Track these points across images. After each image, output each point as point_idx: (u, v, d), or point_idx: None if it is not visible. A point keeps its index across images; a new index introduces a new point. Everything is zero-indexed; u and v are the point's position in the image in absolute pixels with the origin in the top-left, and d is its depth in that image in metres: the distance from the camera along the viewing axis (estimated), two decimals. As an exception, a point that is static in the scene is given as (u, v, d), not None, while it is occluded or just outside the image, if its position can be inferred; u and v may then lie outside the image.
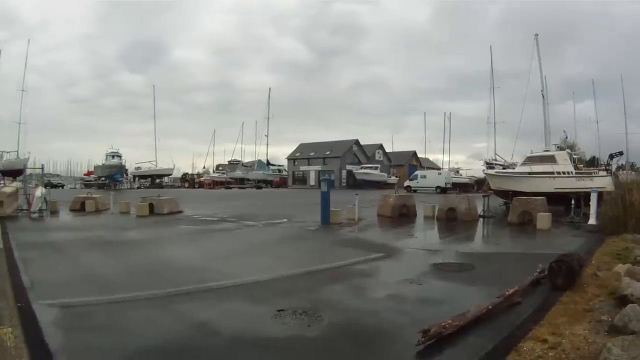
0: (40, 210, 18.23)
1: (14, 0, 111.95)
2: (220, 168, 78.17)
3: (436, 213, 16.19)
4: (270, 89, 70.57)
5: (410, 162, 68.71)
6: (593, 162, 37.13)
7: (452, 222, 14.82)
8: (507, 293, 5.13)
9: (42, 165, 24.39)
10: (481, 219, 15.86)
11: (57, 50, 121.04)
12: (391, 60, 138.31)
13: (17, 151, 48.14)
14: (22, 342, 4.18)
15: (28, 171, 27.25)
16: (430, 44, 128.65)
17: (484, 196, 17.94)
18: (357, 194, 16.00)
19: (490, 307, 4.71)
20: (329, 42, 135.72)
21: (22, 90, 49.37)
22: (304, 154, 66.81)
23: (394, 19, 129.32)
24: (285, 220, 15.45)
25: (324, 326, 4.51)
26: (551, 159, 20.78)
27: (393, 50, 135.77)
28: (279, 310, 4.91)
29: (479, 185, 38.58)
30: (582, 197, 14.97)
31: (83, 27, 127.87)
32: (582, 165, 25.25)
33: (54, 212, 18.69)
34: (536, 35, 29.92)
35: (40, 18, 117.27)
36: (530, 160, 21.65)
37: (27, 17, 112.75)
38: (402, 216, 16.24)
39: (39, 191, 19.22)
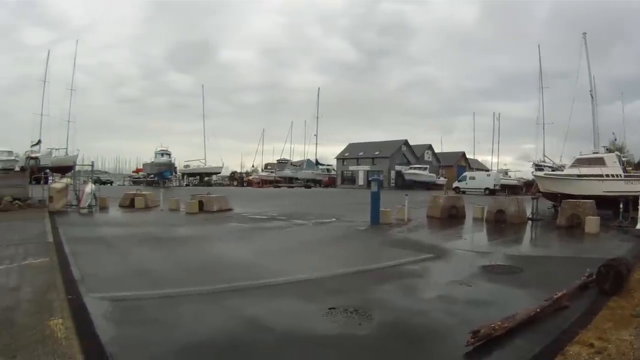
0: (90, 206, 19.91)
1: (63, 2, 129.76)
2: (269, 167, 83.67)
3: (485, 215, 17.36)
4: (319, 88, 78.03)
5: (458, 163, 72.68)
6: (642, 165, 37.62)
7: (500, 225, 15.88)
8: (555, 296, 5.53)
9: (92, 162, 26.50)
10: (530, 222, 16.90)
11: (105, 51, 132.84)
12: (439, 60, 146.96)
13: (66, 148, 54.56)
14: (73, 334, 4.58)
15: (77, 168, 29.56)
16: (478, 43, 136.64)
17: (532, 198, 19.15)
18: (406, 195, 17.32)
19: (538, 310, 5.10)
20: (376, 42, 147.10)
21: (71, 90, 55.96)
22: (352, 153, 71.21)
23: (441, 18, 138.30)
24: (335, 219, 16.69)
25: (375, 325, 4.92)
26: (600, 162, 21.95)
27: (440, 50, 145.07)
28: (330, 309, 5.35)
29: (527, 187, 41.65)
30: (631, 201, 15.98)
31: (131, 29, 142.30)
32: (630, 168, 25.33)
33: (104, 208, 20.69)
34: (584, 34, 30.63)
35: (88, 20, 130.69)
36: (579, 162, 23.00)
37: (75, 19, 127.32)
38: (451, 217, 17.50)
39: (89, 187, 21.08)
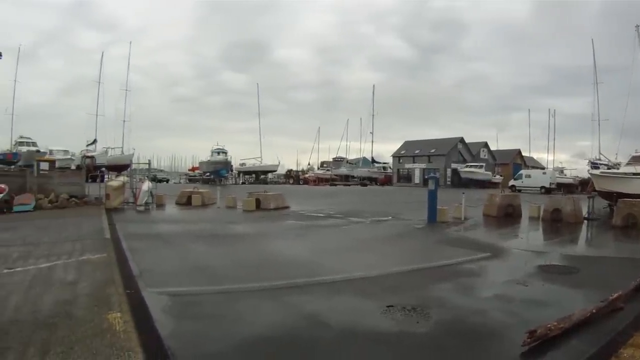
0: (147, 204, 21.20)
1: (116, 5, 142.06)
2: (324, 165, 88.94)
3: (541, 214, 18.18)
4: (374, 86, 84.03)
5: (514, 161, 75.11)
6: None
7: (556, 224, 16.59)
8: (611, 298, 5.71)
9: (149, 160, 28.26)
10: (585, 221, 17.47)
11: (158, 52, 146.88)
12: (492, 56, 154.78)
13: (122, 147, 59.17)
14: (132, 327, 4.88)
15: (133, 166, 31.50)
16: (531, 39, 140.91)
17: (588, 197, 19.91)
18: (463, 193, 18.31)
19: (594, 311, 5.30)
20: (429, 38, 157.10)
21: (126, 90, 62.00)
22: (408, 151, 74.11)
23: (493, 13, 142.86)
24: (391, 217, 17.73)
25: (432, 323, 5.23)
26: None
27: (493, 46, 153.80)
28: (388, 306, 5.72)
29: (583, 185, 42.93)
30: None
31: (184, 30, 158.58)
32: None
33: (160, 206, 22.32)
34: (637, 26, 31.68)
35: (140, 22, 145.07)
36: (635, 160, 23.52)
37: (128, 21, 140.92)
38: (508, 216, 18.40)
39: (146, 185, 22.48)
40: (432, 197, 16.15)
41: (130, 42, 66.43)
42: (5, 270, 7.57)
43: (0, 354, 4.10)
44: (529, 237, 13.92)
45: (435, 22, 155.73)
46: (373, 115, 77.91)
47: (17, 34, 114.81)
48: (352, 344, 4.61)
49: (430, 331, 4.98)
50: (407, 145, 76.56)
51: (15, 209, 17.83)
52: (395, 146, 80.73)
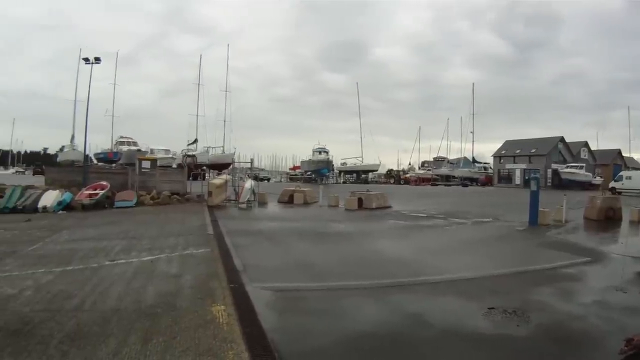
0: (249, 201, 22.22)
1: (212, 10, 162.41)
2: (425, 165, 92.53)
3: None
4: (473, 84, 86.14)
5: (614, 162, 74.65)
6: None
7: None
8: None
9: (251, 159, 29.85)
10: None
11: (256, 53, 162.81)
12: (590, 50, 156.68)
13: (223, 147, 63.07)
14: (235, 320, 5.06)
15: (235, 165, 33.26)
16: (628, 31, 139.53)
17: None
18: (564, 195, 18.71)
19: None
20: (525, 34, 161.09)
21: (225, 92, 68.38)
22: (509, 151, 75.91)
23: (588, 5, 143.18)
24: (492, 219, 18.40)
25: (532, 327, 5.37)
26: None
27: (591, 40, 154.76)
28: (489, 308, 5.94)
29: None
30: None
31: (280, 32, 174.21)
32: None
33: (262, 204, 23.42)
34: None
35: (237, 25, 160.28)
36: None
37: (224, 25, 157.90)
38: (608, 219, 18.19)
39: (248, 183, 23.76)
40: (534, 199, 16.37)
41: (228, 45, 72.32)
42: (107, 263, 8.14)
43: (101, 341, 4.35)
44: (629, 242, 13.69)
45: (530, 17, 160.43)
46: (473, 114, 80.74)
47: (117, 41, 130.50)
48: (454, 345, 4.81)
49: (530, 335, 5.10)
50: (508, 144, 78.09)
51: (117, 204, 19.41)
52: (495, 146, 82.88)
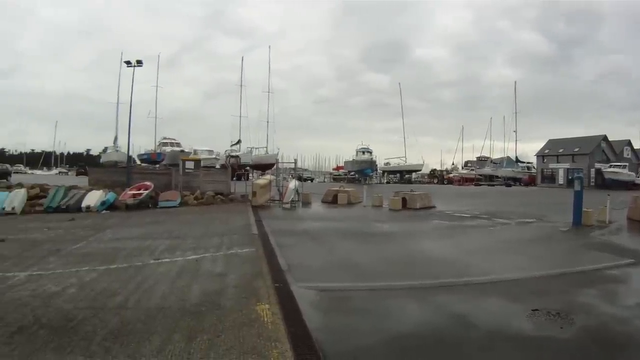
0: (293, 201, 22.36)
1: (252, 12, 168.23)
2: (468, 164, 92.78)
3: None
4: (515, 82, 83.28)
5: None
6: None
7: None
8: None
9: (295, 159, 29.88)
10: None
11: (297, 55, 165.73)
12: (631, 47, 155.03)
13: (266, 147, 64.17)
14: (279, 319, 5.08)
15: (278, 165, 33.60)
16: None
17: None
18: (609, 195, 18.49)
19: None
20: (566, 31, 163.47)
21: (268, 93, 69.34)
22: (552, 150, 75.56)
23: (627, 1, 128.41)
24: (536, 219, 18.38)
25: (576, 329, 5.38)
26: None
27: (631, 36, 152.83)
28: (533, 310, 5.98)
29: None
30: None
31: (321, 33, 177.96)
32: None
33: (306, 204, 23.61)
34: None
35: (277, 27, 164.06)
36: None
37: (265, 27, 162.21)
38: None
39: (293, 183, 23.93)
40: (578, 199, 16.42)
41: (269, 46, 73.53)
42: (152, 261, 8.29)
43: (145, 338, 4.41)
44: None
45: (570, 14, 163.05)
46: (515, 113, 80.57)
47: (158, 44, 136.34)
48: (498, 346, 4.88)
49: (574, 338, 5.13)
50: (551, 144, 77.64)
51: (161, 204, 19.88)
52: (538, 145, 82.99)
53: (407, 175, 78.15)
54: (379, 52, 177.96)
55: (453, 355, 4.62)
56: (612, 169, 61.89)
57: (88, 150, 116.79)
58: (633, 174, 62.59)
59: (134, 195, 19.64)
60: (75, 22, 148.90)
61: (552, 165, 73.70)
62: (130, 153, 33.66)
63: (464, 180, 75.64)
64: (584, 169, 61.93)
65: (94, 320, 4.88)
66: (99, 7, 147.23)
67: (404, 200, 22.18)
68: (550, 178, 72.60)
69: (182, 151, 56.20)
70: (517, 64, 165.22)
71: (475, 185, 68.52)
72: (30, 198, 18.15)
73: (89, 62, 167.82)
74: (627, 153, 72.75)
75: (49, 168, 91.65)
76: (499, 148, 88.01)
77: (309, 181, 62.91)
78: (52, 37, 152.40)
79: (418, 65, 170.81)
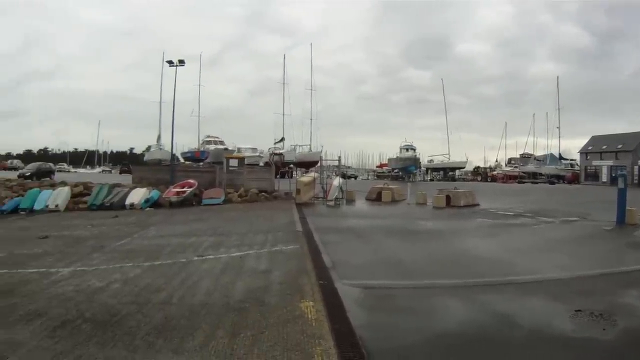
0: (337, 199, 22.50)
1: (293, 10, 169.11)
2: (512, 162, 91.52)
3: None
4: (558, 77, 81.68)
5: None
6: None
7: None
8: None
9: (339, 157, 30.18)
10: None
11: (339, 52, 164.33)
12: None
13: (310, 145, 64.72)
14: (323, 316, 5.10)
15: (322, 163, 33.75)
16: None
17: None
18: None
19: None
20: (607, 24, 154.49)
21: (311, 90, 69.71)
22: (595, 147, 74.42)
23: None
24: (579, 218, 18.29)
25: (618, 331, 5.30)
26: None
27: None
28: (576, 310, 5.93)
29: None
30: None
31: (362, 30, 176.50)
32: None
33: (350, 201, 23.57)
34: None
35: (319, 25, 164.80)
36: None
37: (306, 24, 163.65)
38: None
39: (337, 181, 24.15)
40: (622, 197, 16.28)
41: (311, 44, 74.30)
42: (196, 258, 8.43)
43: (189, 334, 4.46)
44: None
45: (611, 6, 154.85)
46: (559, 108, 79.71)
47: (200, 44, 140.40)
48: (540, 346, 4.84)
49: (616, 339, 5.05)
50: (594, 140, 76.51)
51: (204, 202, 20.24)
52: (582, 141, 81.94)
53: (450, 173, 77.84)
54: (420, 48, 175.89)
55: (496, 354, 4.65)
56: None
57: (131, 148, 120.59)
58: None
59: (177, 193, 20.07)
60: (115, 24, 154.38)
61: (595, 163, 73.12)
62: (174, 151, 34.38)
63: (508, 178, 74.93)
64: (627, 166, 61.04)
65: (137, 316, 4.97)
66: (139, 8, 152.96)
67: (447, 197, 22.19)
68: (593, 176, 71.88)
69: (226, 149, 57.40)
70: (559, 58, 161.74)
71: (519, 182, 68.37)
72: (73, 196, 18.90)
73: (130, 62, 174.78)
74: (670, 149, 70.50)
75: (92, 166, 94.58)
76: (542, 145, 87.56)
77: (353, 179, 62.78)
78: (93, 38, 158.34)
79: (460, 61, 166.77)
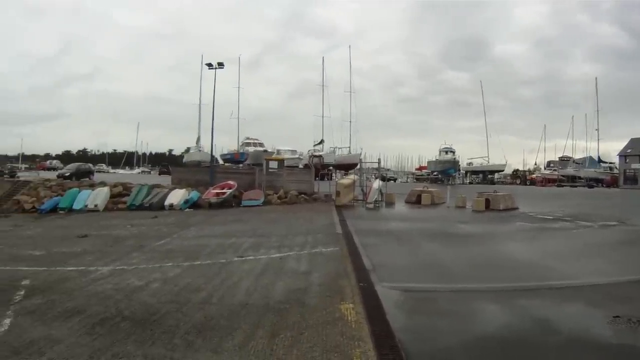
0: (377, 201, 22.44)
1: (330, 13, 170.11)
2: (551, 165, 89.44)
3: None
4: (596, 79, 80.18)
5: None
6: None
7: None
8: None
9: (379, 159, 30.19)
10: None
11: (377, 54, 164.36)
12: None
13: (349, 147, 64.98)
14: (363, 318, 5.10)
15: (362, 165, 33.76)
16: None
17: None
18: None
19: None
20: None
21: (350, 92, 69.75)
22: (634, 150, 72.66)
23: None
24: (618, 222, 18.03)
25: None
26: None
27: None
28: (614, 317, 5.83)
29: None
30: None
31: (400, 32, 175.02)
32: None
33: (390, 204, 23.59)
34: None
35: (356, 27, 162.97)
36: None
37: (344, 27, 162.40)
38: None
39: (376, 183, 24.07)
40: None
41: (349, 46, 74.33)
42: (236, 259, 8.53)
43: (228, 334, 4.52)
44: None
45: None
46: (597, 110, 77.93)
47: (239, 47, 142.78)
48: (578, 352, 4.85)
49: None
50: (633, 143, 74.33)
51: (244, 203, 20.44)
52: (621, 144, 79.69)
53: (489, 176, 77.46)
54: (458, 49, 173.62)
55: (534, 359, 4.66)
56: None
57: (170, 150, 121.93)
58: None
59: (217, 194, 20.35)
60: (153, 27, 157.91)
61: (634, 166, 71.58)
62: (213, 153, 34.84)
63: (547, 181, 74.28)
64: (666, 169, 57.43)
65: (177, 315, 5.06)
66: (178, 11, 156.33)
67: (487, 201, 22.30)
68: (632, 179, 70.61)
69: (265, 151, 57.95)
70: (597, 59, 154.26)
71: (558, 186, 67.49)
72: (112, 196, 19.35)
73: (169, 65, 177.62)
74: (702, 152, 69.97)
75: (131, 167, 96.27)
76: (581, 147, 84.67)
77: (392, 181, 62.82)
78: (132, 42, 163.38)
79: (498, 62, 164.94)
